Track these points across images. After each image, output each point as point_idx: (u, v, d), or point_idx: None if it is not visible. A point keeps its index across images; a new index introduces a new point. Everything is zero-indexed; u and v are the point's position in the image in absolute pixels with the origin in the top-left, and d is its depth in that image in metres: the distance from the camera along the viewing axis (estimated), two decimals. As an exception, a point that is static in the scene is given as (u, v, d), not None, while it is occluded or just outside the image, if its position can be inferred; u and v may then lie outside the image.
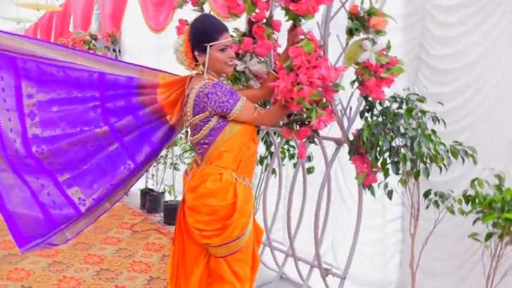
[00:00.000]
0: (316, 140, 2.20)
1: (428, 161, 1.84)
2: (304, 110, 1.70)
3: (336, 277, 2.27)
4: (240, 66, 1.96)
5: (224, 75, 1.80)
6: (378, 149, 1.79)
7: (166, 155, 4.22)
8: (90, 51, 1.75)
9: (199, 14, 2.02)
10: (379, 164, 1.84)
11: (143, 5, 4.59)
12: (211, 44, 1.62)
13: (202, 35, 1.63)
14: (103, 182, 1.79)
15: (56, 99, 1.70)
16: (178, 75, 1.84)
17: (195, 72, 1.72)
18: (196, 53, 1.66)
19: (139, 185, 4.70)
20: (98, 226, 3.79)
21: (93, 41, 5.24)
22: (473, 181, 1.78)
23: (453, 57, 2.28)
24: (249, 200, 1.74)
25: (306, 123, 1.76)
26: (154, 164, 4.30)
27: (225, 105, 1.60)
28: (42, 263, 2.95)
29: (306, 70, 1.63)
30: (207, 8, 2.11)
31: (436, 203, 1.80)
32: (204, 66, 1.66)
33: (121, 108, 1.76)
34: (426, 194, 1.86)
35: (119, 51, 5.58)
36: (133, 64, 1.81)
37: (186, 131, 1.75)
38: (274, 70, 1.84)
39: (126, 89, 1.77)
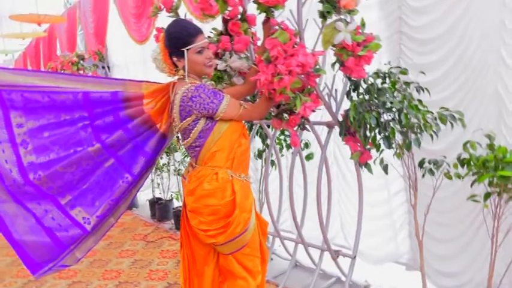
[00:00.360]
0: (308, 126, 2.24)
1: (418, 130, 1.85)
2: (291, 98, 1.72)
3: (347, 257, 2.30)
4: (221, 65, 1.98)
5: (206, 76, 1.82)
6: (368, 126, 1.80)
7: (168, 163, 4.26)
8: (71, 73, 1.76)
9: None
10: (369, 140, 1.85)
11: (124, 18, 4.61)
12: (187, 47, 1.64)
13: (177, 40, 1.65)
14: (104, 198, 1.82)
15: (46, 125, 1.73)
16: (161, 83, 1.86)
17: (176, 77, 1.75)
18: (174, 59, 1.68)
19: (147, 195, 4.76)
20: (112, 242, 3.85)
21: (81, 61, 5.27)
22: (465, 144, 1.79)
23: (432, 26, 2.28)
24: (248, 195, 1.76)
25: (295, 111, 1.78)
26: (158, 173, 4.36)
27: (210, 106, 1.63)
28: (62, 285, 3.01)
29: (283, 60, 1.64)
30: (182, 13, 2.11)
31: (430, 171, 1.82)
32: (184, 71, 1.68)
33: (110, 124, 1.79)
34: (421, 164, 1.88)
35: (108, 67, 5.62)
36: (115, 79, 1.84)
37: (177, 137, 1.78)
38: (254, 64, 1.85)
39: (112, 104, 1.79)
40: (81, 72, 5.27)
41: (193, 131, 1.66)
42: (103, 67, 5.52)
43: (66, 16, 6.54)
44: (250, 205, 1.75)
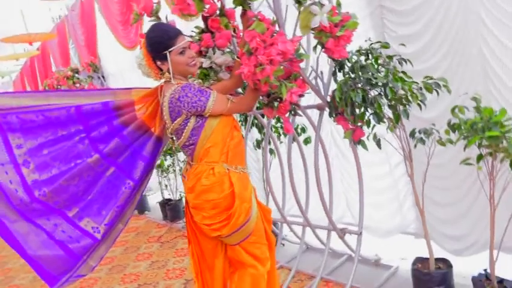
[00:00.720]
0: (300, 111, 2.27)
1: (406, 102, 1.88)
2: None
3: (353, 234, 2.34)
4: (206, 63, 2.01)
5: (192, 75, 1.86)
6: (357, 103, 1.83)
7: (173, 163, 4.33)
8: (61, 90, 1.81)
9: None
10: (357, 118, 1.88)
11: (111, 26, 4.64)
12: (169, 50, 1.68)
13: (158, 44, 1.69)
14: (110, 206, 1.88)
15: (44, 143, 1.79)
16: (150, 88, 1.90)
17: (163, 80, 1.79)
18: (158, 63, 1.72)
19: (157, 198, 4.84)
20: (128, 247, 3.94)
21: (76, 75, 5.34)
22: (453, 109, 1.81)
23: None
24: (247, 185, 1.81)
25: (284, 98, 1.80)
26: (164, 174, 4.43)
27: (198, 104, 1.67)
28: (84, 294, 3.11)
29: (263, 50, 1.67)
30: (164, 15, 2.14)
31: (421, 140, 1.84)
32: (169, 73, 1.72)
33: (106, 134, 1.84)
34: (412, 134, 1.91)
35: (103, 77, 5.67)
36: (105, 89, 1.89)
37: (172, 138, 1.83)
38: (238, 57, 1.88)
39: (105, 114, 1.84)
40: (77, 85, 5.34)
41: (185, 130, 1.71)
42: (98, 77, 5.58)
43: (56, 32, 6.59)
44: (250, 195, 1.80)
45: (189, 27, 2.19)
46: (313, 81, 2.15)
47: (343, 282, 2.39)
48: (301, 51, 2.19)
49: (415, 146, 1.91)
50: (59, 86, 5.23)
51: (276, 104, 1.90)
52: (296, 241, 3.01)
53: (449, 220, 2.32)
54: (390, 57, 1.93)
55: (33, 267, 1.79)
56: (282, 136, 2.99)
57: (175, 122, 1.70)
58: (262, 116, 2.75)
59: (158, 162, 4.33)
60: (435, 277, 2.04)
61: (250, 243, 1.84)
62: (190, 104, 1.65)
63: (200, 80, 2.04)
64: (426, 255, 2.13)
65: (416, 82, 1.87)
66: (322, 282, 2.53)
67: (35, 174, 1.76)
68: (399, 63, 1.89)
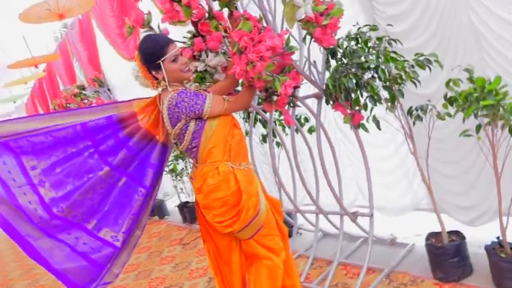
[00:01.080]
0: (299, 102, 2.31)
1: (400, 81, 1.90)
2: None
3: (365, 216, 2.38)
4: (201, 66, 2.06)
5: (188, 80, 1.92)
6: (349, 89, 1.86)
7: (186, 167, 4.41)
8: (65, 109, 1.90)
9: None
10: (353, 102, 1.91)
11: (111, 40, 4.73)
12: (162, 59, 1.74)
13: (151, 55, 1.75)
14: (125, 215, 1.96)
15: (57, 161, 1.87)
16: (149, 98, 1.97)
17: (160, 89, 1.85)
18: (153, 72, 1.79)
19: (174, 202, 4.95)
20: (151, 252, 4.06)
21: (82, 91, 5.46)
22: (447, 83, 1.83)
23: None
24: (252, 180, 1.86)
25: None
26: (179, 178, 4.52)
27: (196, 108, 1.73)
28: (114, 301, 3.23)
29: (252, 48, 1.72)
30: (157, 25, 2.20)
31: (418, 117, 1.86)
32: (165, 81, 1.78)
33: (113, 146, 1.92)
34: (409, 112, 1.93)
35: (109, 90, 5.79)
36: (107, 104, 1.96)
37: (175, 143, 1.89)
38: (230, 57, 1.93)
39: (110, 128, 1.92)
40: (85, 101, 5.46)
41: (186, 134, 1.77)
42: (105, 91, 5.70)
43: (58, 52, 6.75)
44: (256, 189, 1.85)
45: (183, 32, 2.25)
46: (309, 71, 2.18)
47: (360, 264, 2.43)
48: (293, 43, 2.24)
49: (414, 123, 1.93)
50: (68, 105, 5.36)
51: (274, 98, 1.94)
52: (312, 229, 3.05)
53: (459, 192, 2.33)
54: (380, 39, 1.95)
55: (61, 280, 1.89)
56: (287, 128, 3.02)
57: (176, 127, 1.77)
58: (264, 111, 2.80)
59: (171, 167, 4.43)
60: (449, 250, 2.06)
61: (262, 235, 1.89)
62: (188, 109, 1.71)
63: (197, 84, 2.11)
64: (439, 229, 2.16)
65: (407, 60, 1.88)
66: (340, 266, 2.57)
67: (52, 192, 1.85)
68: (388, 43, 1.91)
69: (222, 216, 1.81)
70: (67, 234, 1.90)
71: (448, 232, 2.16)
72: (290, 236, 3.01)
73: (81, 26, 5.67)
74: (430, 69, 1.84)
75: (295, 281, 2.09)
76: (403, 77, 1.88)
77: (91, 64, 5.77)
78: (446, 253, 2.06)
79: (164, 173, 4.63)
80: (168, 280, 3.28)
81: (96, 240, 1.93)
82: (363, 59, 1.93)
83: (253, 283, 1.93)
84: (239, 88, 2.45)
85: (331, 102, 2.06)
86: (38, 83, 8.60)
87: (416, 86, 1.91)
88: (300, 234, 3.23)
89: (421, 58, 1.84)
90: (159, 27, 2.20)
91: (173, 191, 4.90)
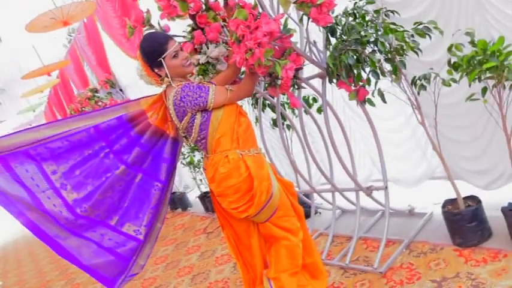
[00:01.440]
0: (304, 84, 2.32)
1: (402, 52, 1.89)
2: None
3: (380, 190, 2.40)
4: (203, 59, 2.10)
5: (191, 74, 1.96)
6: (349, 65, 1.87)
7: (203, 158, 4.48)
8: (78, 114, 1.97)
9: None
10: (356, 79, 1.91)
11: (116, 40, 4.81)
12: (163, 56, 1.78)
13: (151, 53, 1.79)
14: (145, 209, 2.05)
15: (75, 164, 1.96)
16: (156, 95, 2.02)
17: (165, 85, 1.90)
18: (156, 70, 1.83)
19: (195, 193, 5.06)
20: (178, 243, 4.18)
21: (96, 94, 5.59)
22: (449, 48, 1.81)
23: None
24: (262, 165, 1.90)
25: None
26: (197, 169, 4.61)
27: (200, 100, 1.77)
28: (147, 293, 3.37)
29: (249, 35, 1.74)
30: (158, 22, 2.23)
31: (422, 86, 1.86)
32: (168, 77, 1.83)
33: (126, 145, 1.99)
34: (413, 82, 1.92)
35: (121, 90, 5.90)
36: (116, 105, 2.02)
37: (184, 136, 1.95)
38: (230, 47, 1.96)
39: (121, 127, 1.98)
40: (99, 103, 5.59)
41: (194, 127, 1.82)
42: (117, 91, 5.81)
43: (69, 58, 6.88)
44: (267, 173, 1.89)
45: (184, 27, 2.27)
46: (309, 52, 2.19)
47: (379, 238, 2.46)
48: (293, 25, 2.24)
49: (418, 93, 1.92)
50: (83, 108, 5.50)
51: (278, 82, 1.97)
52: (330, 208, 3.08)
53: (472, 157, 2.32)
54: (377, 12, 1.93)
55: (92, 275, 2.00)
56: (297, 110, 3.04)
57: (183, 121, 1.82)
58: (271, 95, 2.82)
59: (188, 159, 4.52)
60: (466, 215, 2.07)
61: (278, 217, 1.94)
62: (193, 102, 1.76)
63: (201, 76, 2.14)
64: (456, 196, 2.16)
65: (407, 31, 1.87)
66: (360, 241, 2.61)
67: (73, 193, 1.94)
68: (386, 15, 1.90)
69: (237, 203, 1.87)
70: (92, 231, 1.99)
71: (464, 198, 2.16)
72: (308, 216, 3.08)
73: (87, 29, 5.77)
74: (430, 37, 1.82)
75: (316, 259, 2.14)
76: (404, 47, 1.87)
77: (101, 66, 5.88)
78: (463, 219, 2.07)
79: (182, 165, 4.72)
80: (196, 268, 3.39)
81: (120, 235, 2.03)
82: (363, 33, 1.93)
83: (274, 264, 1.99)
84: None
85: (334, 81, 2.06)
86: (53, 90, 8.82)
87: (418, 55, 1.89)
88: (319, 213, 3.27)
89: (420, 27, 1.82)
90: (159, 24, 2.24)
91: (193, 183, 5.01)
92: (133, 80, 5.55)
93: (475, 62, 1.68)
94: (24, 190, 1.85)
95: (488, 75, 1.68)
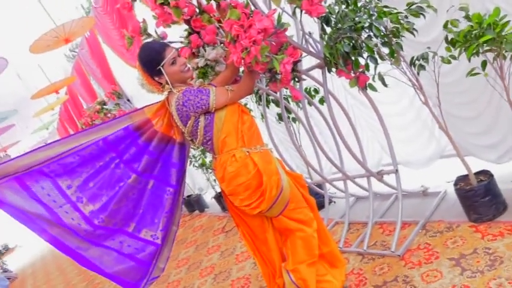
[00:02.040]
0: (304, 76, 2.33)
1: (397, 34, 1.89)
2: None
3: (391, 174, 2.40)
4: (201, 62, 2.13)
5: (191, 79, 1.99)
6: (346, 53, 1.87)
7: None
8: (86, 129, 2.03)
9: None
10: (354, 66, 1.91)
11: (117, 52, 4.88)
12: (161, 64, 1.82)
13: (150, 63, 1.83)
14: (159, 214, 2.10)
15: (88, 177, 2.01)
16: (159, 102, 2.06)
17: (166, 92, 1.93)
18: (156, 78, 1.87)
19: (211, 194, 5.11)
20: (198, 245, 4.25)
21: (104, 106, 5.68)
22: (445, 25, 1.80)
23: None
24: (270, 160, 1.93)
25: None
26: (210, 171, 4.66)
27: (202, 103, 1.80)
28: (172, 295, 3.44)
29: (244, 34, 1.76)
30: (153, 31, 2.27)
31: (421, 66, 1.85)
32: (168, 84, 1.86)
33: (135, 154, 2.04)
34: (411, 63, 1.91)
35: (129, 100, 5.98)
36: (121, 116, 2.06)
37: (190, 140, 1.98)
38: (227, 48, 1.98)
39: (129, 137, 2.03)
40: (108, 115, 5.68)
41: (198, 130, 1.86)
42: (125, 102, 5.89)
43: (75, 73, 7.01)
44: (275, 168, 1.91)
45: (181, 32, 2.30)
46: (305, 44, 2.20)
47: (395, 221, 2.46)
48: (288, 18, 2.25)
49: (418, 73, 1.92)
50: (93, 122, 5.60)
51: (278, 77, 1.98)
52: (344, 196, 3.09)
53: (481, 132, 2.30)
54: (369, -4, 1.93)
55: (115, 282, 2.06)
56: (301, 103, 3.05)
57: (187, 125, 1.85)
58: (273, 91, 2.84)
59: (200, 161, 4.58)
60: (479, 190, 2.06)
61: (291, 210, 1.97)
62: (195, 106, 1.79)
63: (201, 80, 2.17)
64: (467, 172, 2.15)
65: (401, 12, 1.86)
66: (375, 226, 2.62)
67: (89, 206, 1.99)
68: None
69: (249, 199, 1.90)
70: (111, 240, 2.05)
71: (475, 173, 2.15)
72: (323, 206, 3.09)
73: (90, 44, 5.86)
74: (424, 16, 1.81)
75: (333, 247, 2.16)
76: (400, 29, 1.87)
77: (106, 79, 5.97)
78: (477, 194, 2.06)
79: (195, 168, 4.77)
80: (217, 267, 3.44)
81: (138, 241, 2.08)
82: (357, 19, 1.93)
83: (291, 256, 2.02)
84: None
85: (334, 70, 2.07)
86: (63, 107, 8.99)
87: (414, 35, 1.89)
88: (334, 202, 3.28)
89: (413, 7, 1.81)
90: (156, 32, 2.27)
91: (206, 185, 5.07)
92: (137, 89, 5.61)
93: (472, 36, 1.67)
94: (42, 207, 1.91)
95: (486, 48, 1.67)
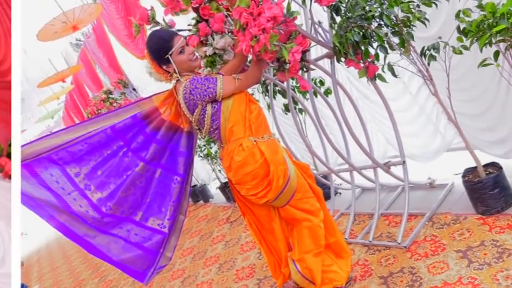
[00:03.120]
0: (312, 65, 2.31)
1: (408, 23, 1.86)
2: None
3: (398, 165, 2.39)
4: (209, 50, 2.11)
5: (199, 67, 1.98)
6: (355, 43, 1.85)
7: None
8: (94, 116, 2.03)
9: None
10: (364, 55, 1.89)
11: (122, 41, 4.87)
12: (169, 53, 1.81)
13: (158, 51, 1.82)
14: (166, 203, 2.10)
15: (96, 165, 2.02)
16: (167, 91, 2.06)
17: (174, 81, 1.93)
18: (164, 67, 1.86)
19: (216, 184, 5.13)
20: (203, 235, 4.27)
21: (110, 95, 5.68)
22: (457, 14, 1.77)
23: None
24: (277, 150, 1.92)
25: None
26: (214, 161, 4.66)
27: (209, 92, 1.79)
28: (177, 284, 3.46)
29: (253, 22, 1.74)
30: (161, 19, 2.25)
31: (432, 56, 1.83)
32: (176, 73, 1.86)
33: (143, 142, 2.04)
34: (422, 53, 1.89)
35: (134, 90, 5.97)
36: (129, 104, 2.06)
37: (198, 129, 1.98)
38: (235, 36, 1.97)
39: (136, 126, 2.03)
40: (114, 104, 5.69)
41: (205, 118, 1.85)
42: (130, 91, 5.89)
43: (80, 62, 7.00)
44: (282, 157, 1.91)
45: (189, 20, 2.29)
46: (315, 33, 2.18)
47: (401, 213, 2.45)
48: (297, 7, 2.23)
49: (429, 64, 1.89)
50: (99, 111, 5.60)
51: (286, 66, 1.97)
52: (350, 187, 3.09)
53: (488, 127, 2.28)
54: (380, -15, 1.90)
55: (122, 270, 2.07)
56: (308, 93, 3.03)
57: (194, 113, 1.85)
58: (280, 80, 2.82)
59: (205, 151, 4.58)
60: (487, 183, 2.04)
61: (297, 200, 1.97)
62: (202, 94, 1.78)
63: (209, 69, 2.16)
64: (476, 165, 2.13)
65: (412, 1, 1.84)
66: (382, 217, 2.61)
67: (97, 193, 2.00)
68: (388, -13, 1.86)
69: (255, 189, 1.90)
70: (119, 228, 2.06)
71: (484, 165, 2.14)
72: (329, 197, 3.09)
73: (96, 32, 5.84)
74: (436, 5, 1.79)
75: (339, 238, 2.16)
76: (411, 18, 1.84)
77: (112, 68, 5.97)
78: (485, 186, 2.05)
79: (200, 158, 4.77)
80: (222, 257, 3.46)
81: (145, 230, 2.09)
82: (367, 8, 1.90)
83: (297, 246, 2.02)
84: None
85: (343, 60, 2.05)
86: (69, 96, 9.00)
87: (425, 25, 1.86)
88: (340, 194, 3.28)
89: (425, -4, 1.78)
90: (164, 20, 2.26)
91: (208, 176, 5.08)
92: (143, 79, 5.60)
93: (485, 26, 1.64)
94: (51, 194, 1.92)
95: (499, 38, 1.64)
